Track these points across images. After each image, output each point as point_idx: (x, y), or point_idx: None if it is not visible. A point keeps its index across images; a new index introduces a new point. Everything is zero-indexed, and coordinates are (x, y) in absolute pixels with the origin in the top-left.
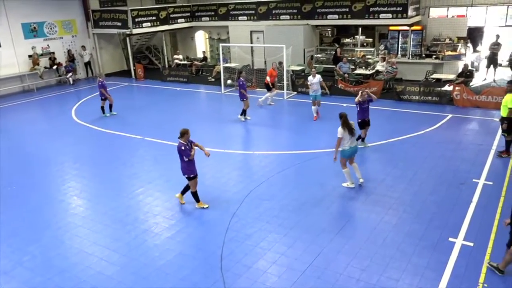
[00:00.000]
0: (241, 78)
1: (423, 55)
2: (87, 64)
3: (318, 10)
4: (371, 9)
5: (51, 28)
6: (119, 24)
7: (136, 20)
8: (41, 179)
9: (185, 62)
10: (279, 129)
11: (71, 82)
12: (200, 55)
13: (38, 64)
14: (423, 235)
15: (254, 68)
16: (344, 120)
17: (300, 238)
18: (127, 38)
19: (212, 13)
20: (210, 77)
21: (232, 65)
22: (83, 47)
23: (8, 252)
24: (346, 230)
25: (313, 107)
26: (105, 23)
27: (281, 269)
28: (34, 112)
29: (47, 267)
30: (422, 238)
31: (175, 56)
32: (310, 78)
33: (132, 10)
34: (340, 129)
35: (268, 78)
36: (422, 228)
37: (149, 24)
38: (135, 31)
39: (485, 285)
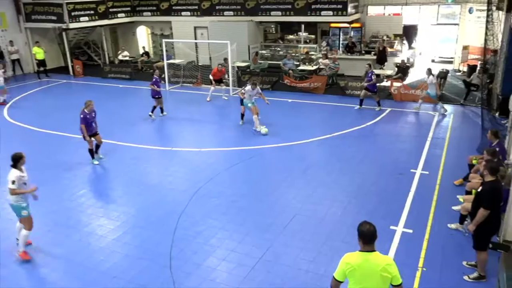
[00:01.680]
0: (155, 75)
1: (363, 52)
2: (15, 61)
3: (261, 7)
4: (313, 7)
5: None
6: (54, 18)
7: (73, 14)
8: None
9: (128, 58)
10: (224, 126)
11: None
12: (141, 51)
13: None
14: None
15: (199, 64)
16: None
17: (249, 233)
18: (64, 33)
19: (154, 8)
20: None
21: (177, 61)
22: (11, 42)
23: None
24: (294, 223)
25: (254, 116)
26: (39, 17)
27: (231, 265)
28: None
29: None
30: None
31: (120, 53)
32: (248, 88)
33: (68, 3)
34: None
35: (211, 77)
36: (366, 218)
37: (87, 18)
38: (72, 25)
39: (424, 269)
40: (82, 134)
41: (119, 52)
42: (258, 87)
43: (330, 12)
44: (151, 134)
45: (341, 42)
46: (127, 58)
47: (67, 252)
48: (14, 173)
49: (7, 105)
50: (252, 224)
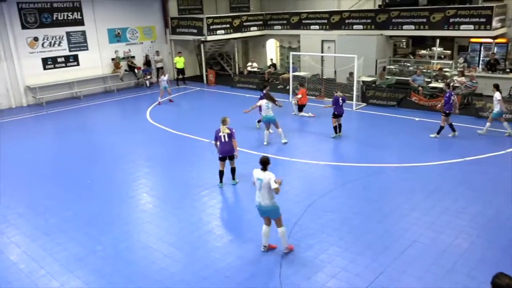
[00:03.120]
0: (264, 90)
1: (507, 70)
2: (159, 69)
3: (393, 20)
4: (451, 20)
5: (133, 34)
6: (194, 31)
7: (211, 27)
8: (115, 174)
9: (256, 69)
10: (344, 140)
11: (148, 85)
12: (269, 62)
13: (119, 67)
14: (498, 262)
15: (324, 77)
16: None
17: (363, 254)
18: (201, 45)
19: (285, 21)
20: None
21: (302, 73)
22: (157, 52)
23: (83, 240)
24: (412, 250)
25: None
26: (182, 30)
27: (341, 284)
28: (113, 112)
29: (116, 259)
30: (498, 265)
31: (250, 64)
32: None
33: (207, 17)
34: None
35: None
36: (497, 255)
37: (223, 31)
38: (209, 38)
39: None
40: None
41: (249, 63)
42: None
43: (471, 26)
44: (271, 143)
45: (481, 58)
46: (255, 69)
47: (188, 247)
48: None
49: (150, 108)
50: (366, 245)
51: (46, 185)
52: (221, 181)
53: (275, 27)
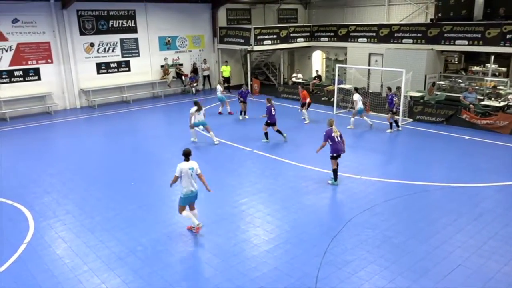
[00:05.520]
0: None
1: None
2: (206, 77)
3: (445, 35)
4: (508, 36)
5: (182, 42)
6: (242, 40)
7: (258, 37)
8: (158, 178)
9: (301, 80)
10: (388, 156)
11: (194, 92)
12: (314, 73)
13: (168, 74)
14: None
15: (369, 91)
16: None
17: (403, 274)
18: (248, 54)
19: (332, 33)
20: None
21: (347, 86)
22: (204, 60)
23: (125, 240)
24: (456, 275)
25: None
26: (230, 39)
27: None
28: (160, 117)
29: (155, 260)
30: None
31: (295, 75)
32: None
33: (255, 28)
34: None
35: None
36: None
37: (269, 42)
38: (256, 48)
39: None
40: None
41: (294, 74)
42: None
43: None
44: (312, 155)
45: None
46: (300, 80)
47: (224, 254)
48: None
49: None
50: (407, 265)
51: (93, 185)
52: (336, 179)
53: (322, 38)
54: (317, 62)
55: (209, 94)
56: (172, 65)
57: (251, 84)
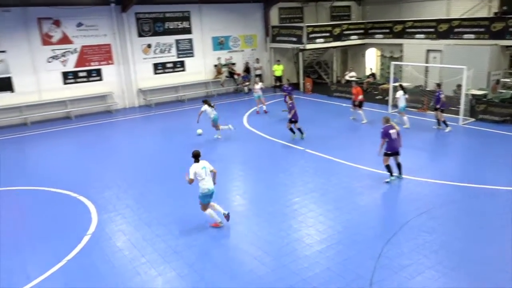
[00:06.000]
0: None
1: None
2: (258, 76)
3: (510, 29)
4: None
5: (235, 42)
6: (294, 39)
7: (310, 36)
8: None
9: (355, 79)
10: (447, 156)
11: (246, 91)
12: (368, 72)
13: (221, 73)
14: None
15: (427, 89)
16: None
17: (463, 281)
18: (300, 53)
19: (387, 30)
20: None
21: (403, 84)
22: (257, 60)
23: (180, 235)
24: None
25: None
26: (282, 38)
27: None
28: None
29: (209, 256)
30: None
31: (348, 73)
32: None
33: (307, 26)
34: None
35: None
36: None
37: (322, 40)
38: (308, 46)
39: None
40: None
41: (347, 72)
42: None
43: None
44: (366, 155)
45: None
46: (353, 79)
47: (276, 252)
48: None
49: (247, 113)
50: (466, 273)
51: (151, 181)
52: (392, 174)
53: (377, 36)
54: (371, 60)
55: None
56: (225, 65)
57: (303, 83)
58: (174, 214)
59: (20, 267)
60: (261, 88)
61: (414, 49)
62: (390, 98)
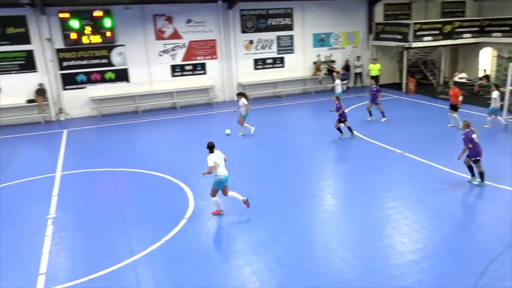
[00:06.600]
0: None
1: None
2: (358, 74)
3: None
4: None
5: (336, 39)
6: (399, 37)
7: (417, 33)
8: (305, 172)
9: (465, 80)
10: None
11: (345, 89)
12: (481, 73)
13: (320, 71)
14: None
15: None
16: None
17: None
18: (404, 51)
19: (507, 28)
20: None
21: None
22: (358, 58)
23: (270, 228)
24: None
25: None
26: (385, 36)
27: None
28: (308, 113)
29: (297, 252)
30: None
31: (457, 74)
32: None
33: (414, 23)
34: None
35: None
36: None
37: (430, 38)
38: (414, 44)
39: None
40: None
41: (456, 73)
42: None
43: None
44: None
45: None
46: (463, 80)
47: (365, 256)
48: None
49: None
50: None
51: (244, 173)
52: (473, 175)
53: (494, 34)
54: (486, 60)
55: (361, 92)
56: (324, 62)
57: (406, 83)
58: (266, 207)
59: (124, 242)
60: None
61: None
62: (506, 102)
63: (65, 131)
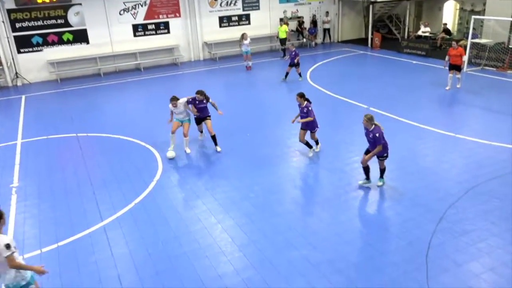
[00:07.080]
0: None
1: None
2: (326, 30)
3: None
4: None
5: None
6: None
7: None
8: (272, 130)
9: (428, 34)
10: None
11: (314, 45)
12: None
13: (287, 25)
14: None
15: (510, 46)
16: None
17: None
18: (371, 6)
19: None
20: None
21: (483, 41)
22: (327, 13)
23: (239, 187)
24: None
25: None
26: None
27: (499, 280)
28: (277, 70)
29: (266, 208)
30: None
31: (422, 28)
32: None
33: None
34: None
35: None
36: None
37: None
38: None
39: None
40: None
41: (421, 27)
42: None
43: None
44: (435, 115)
45: None
46: (427, 34)
47: (333, 210)
48: None
49: (311, 68)
50: None
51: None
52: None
53: None
54: (449, 14)
55: (329, 48)
56: (290, 18)
57: (371, 38)
58: (235, 166)
59: (93, 208)
60: (247, 45)
61: (499, 2)
62: (466, 57)
63: (23, 97)
